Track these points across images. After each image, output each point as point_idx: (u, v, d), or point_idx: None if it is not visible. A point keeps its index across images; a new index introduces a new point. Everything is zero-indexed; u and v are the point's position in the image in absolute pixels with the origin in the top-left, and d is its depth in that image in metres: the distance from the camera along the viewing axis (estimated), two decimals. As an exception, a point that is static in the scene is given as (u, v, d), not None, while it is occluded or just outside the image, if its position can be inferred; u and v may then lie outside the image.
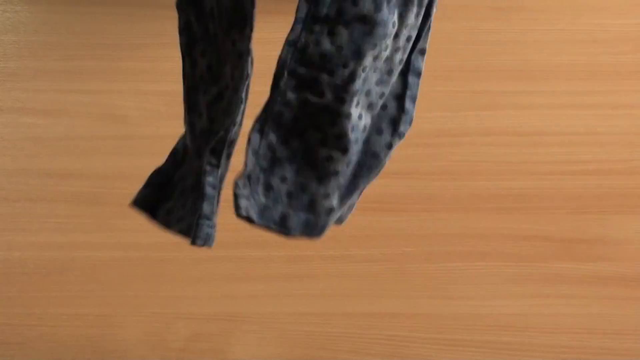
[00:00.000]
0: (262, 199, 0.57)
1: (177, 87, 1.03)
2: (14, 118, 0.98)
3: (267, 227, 0.55)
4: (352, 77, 0.55)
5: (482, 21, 1.12)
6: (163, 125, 0.94)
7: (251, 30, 0.59)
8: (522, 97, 1.00)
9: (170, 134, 0.96)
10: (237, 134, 0.62)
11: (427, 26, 0.62)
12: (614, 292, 0.77)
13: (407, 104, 0.60)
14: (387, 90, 0.60)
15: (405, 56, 0.60)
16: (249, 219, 0.54)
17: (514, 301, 0.77)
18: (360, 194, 0.59)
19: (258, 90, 0.99)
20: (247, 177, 0.57)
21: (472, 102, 0.98)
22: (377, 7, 0.54)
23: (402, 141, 0.58)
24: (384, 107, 0.61)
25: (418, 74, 0.61)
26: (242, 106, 0.60)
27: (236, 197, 0.55)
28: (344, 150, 0.57)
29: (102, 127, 0.97)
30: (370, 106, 0.59)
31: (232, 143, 0.61)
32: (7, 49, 1.09)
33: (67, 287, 0.78)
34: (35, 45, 1.10)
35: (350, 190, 0.59)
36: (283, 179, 0.58)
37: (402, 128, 0.61)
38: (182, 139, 0.66)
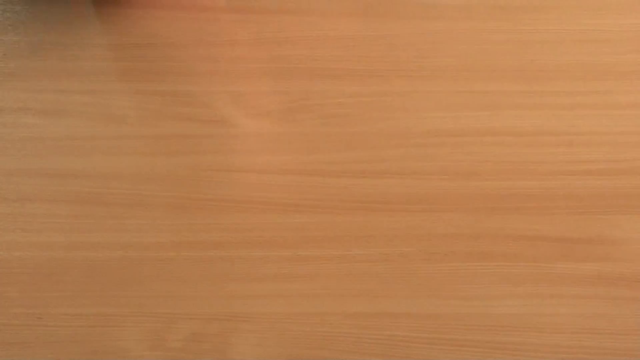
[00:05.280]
0: None
1: (177, 87, 1.04)
2: (14, 118, 0.98)
3: None
4: None
5: (482, 21, 1.12)
6: (163, 125, 0.94)
7: None
8: (522, 97, 1.00)
9: (170, 134, 0.96)
10: None
11: None
12: (614, 292, 0.77)
13: None
14: None
15: None
16: None
17: (514, 301, 0.77)
18: None
19: (263, 91, 0.99)
20: None
21: (472, 102, 0.98)
22: None
23: None
24: None
25: None
26: None
27: None
28: None
29: (102, 127, 0.97)
30: None
31: None
32: (7, 49, 1.09)
33: (67, 287, 0.78)
34: (35, 45, 1.10)
35: None
36: None
37: None
38: None
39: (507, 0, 1.16)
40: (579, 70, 1.04)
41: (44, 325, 0.75)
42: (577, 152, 0.92)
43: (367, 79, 1.05)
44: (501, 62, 1.06)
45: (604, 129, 0.95)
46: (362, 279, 0.79)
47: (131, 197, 0.87)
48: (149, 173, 0.89)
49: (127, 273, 0.79)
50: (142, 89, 1.01)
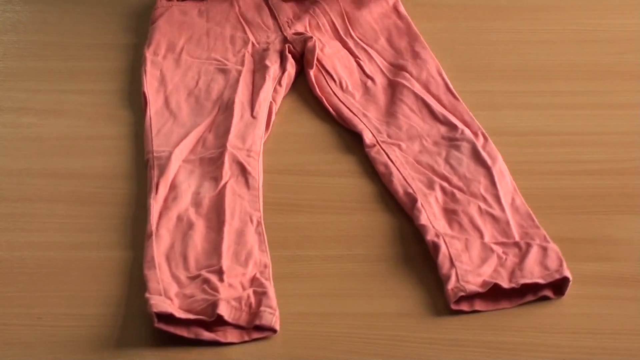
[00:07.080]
0: None
1: (177, 87, 1.02)
2: (14, 118, 0.98)
3: None
4: None
5: (482, 21, 1.12)
6: (163, 125, 0.94)
7: None
8: (522, 97, 1.00)
9: (170, 134, 0.95)
10: None
11: None
12: (614, 292, 0.77)
13: None
14: None
15: None
16: None
17: (514, 301, 0.77)
18: None
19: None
20: None
21: (472, 102, 0.98)
22: None
23: None
24: None
25: None
26: None
27: None
28: None
29: (102, 127, 0.97)
30: None
31: None
32: (7, 49, 1.09)
33: (67, 287, 0.78)
34: (35, 45, 1.10)
35: None
36: None
37: None
38: None
39: (507, 0, 1.16)
40: (579, 70, 1.04)
41: (44, 325, 0.75)
42: (577, 152, 0.92)
43: (367, 79, 1.05)
44: (501, 62, 1.06)
45: (604, 129, 0.95)
46: (362, 279, 0.79)
47: (131, 197, 0.87)
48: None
49: (127, 273, 0.79)
50: (142, 89, 1.01)
